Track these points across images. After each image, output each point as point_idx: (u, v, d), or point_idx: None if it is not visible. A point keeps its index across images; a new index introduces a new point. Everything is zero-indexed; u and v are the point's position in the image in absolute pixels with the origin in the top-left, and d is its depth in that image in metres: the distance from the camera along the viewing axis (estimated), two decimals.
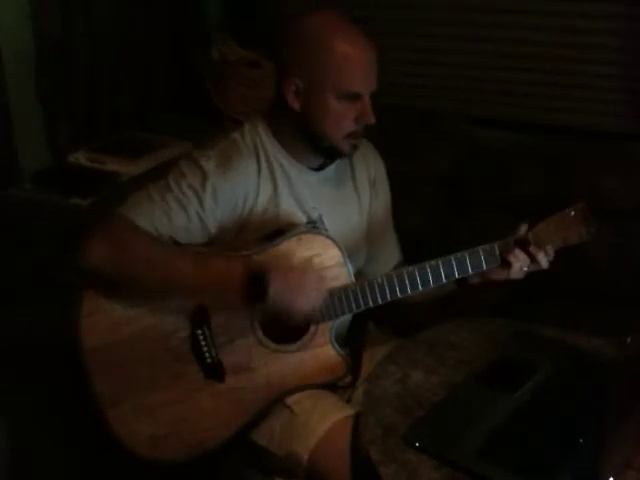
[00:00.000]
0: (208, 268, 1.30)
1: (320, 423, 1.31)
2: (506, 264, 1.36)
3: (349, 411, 1.34)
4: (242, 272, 1.27)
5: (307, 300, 1.29)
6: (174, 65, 2.54)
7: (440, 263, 1.37)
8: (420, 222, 2.12)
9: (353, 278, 1.38)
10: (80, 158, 2.16)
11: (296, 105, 1.34)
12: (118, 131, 2.35)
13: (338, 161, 1.46)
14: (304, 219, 1.42)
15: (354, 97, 1.32)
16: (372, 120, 1.34)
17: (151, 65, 2.46)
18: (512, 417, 1.19)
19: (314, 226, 1.42)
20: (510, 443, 1.14)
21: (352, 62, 1.30)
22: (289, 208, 1.40)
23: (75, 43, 2.17)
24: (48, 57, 2.11)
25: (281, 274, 1.27)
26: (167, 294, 1.33)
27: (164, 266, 1.29)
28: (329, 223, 1.45)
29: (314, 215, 1.43)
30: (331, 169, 1.46)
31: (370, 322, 1.61)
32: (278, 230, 1.37)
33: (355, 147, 1.40)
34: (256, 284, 1.26)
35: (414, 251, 1.59)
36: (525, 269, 1.37)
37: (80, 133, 2.23)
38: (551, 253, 1.37)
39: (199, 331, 1.34)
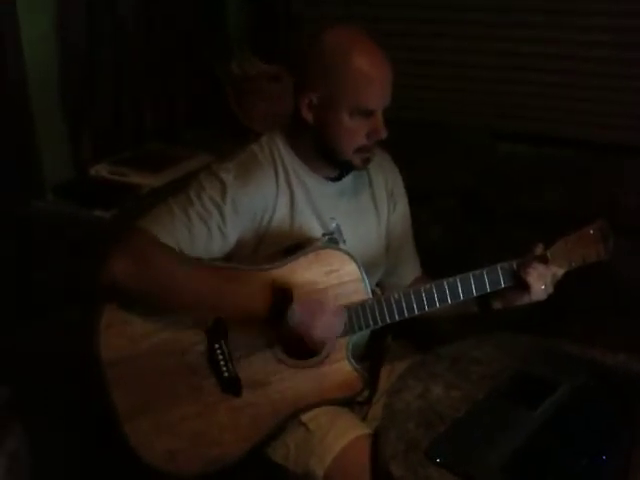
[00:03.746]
0: (230, 283, 1.31)
1: (336, 440, 1.30)
2: (526, 286, 1.35)
3: (365, 429, 1.33)
4: (263, 290, 1.28)
5: (326, 329, 1.30)
6: (197, 78, 2.56)
7: (458, 280, 1.36)
8: (440, 234, 2.12)
9: (371, 294, 1.37)
10: (102, 171, 2.18)
11: (309, 117, 1.35)
12: (141, 144, 2.37)
13: (355, 173, 1.45)
14: (321, 230, 1.42)
15: (367, 113, 1.32)
16: (383, 136, 1.34)
17: (174, 78, 2.48)
18: (535, 433, 1.17)
19: (331, 237, 1.42)
20: (533, 460, 1.13)
21: (368, 80, 1.30)
22: (306, 218, 1.40)
23: (99, 56, 2.19)
24: (73, 70, 2.13)
25: (303, 298, 1.27)
26: (188, 308, 1.33)
27: (186, 280, 1.29)
28: (347, 234, 1.44)
29: (332, 226, 1.43)
30: (348, 180, 1.46)
31: (389, 335, 1.60)
32: (296, 245, 1.37)
33: (367, 161, 1.39)
34: (277, 303, 1.27)
35: (434, 264, 1.58)
36: (543, 287, 1.35)
37: (103, 146, 2.25)
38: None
39: (217, 345, 1.33)
